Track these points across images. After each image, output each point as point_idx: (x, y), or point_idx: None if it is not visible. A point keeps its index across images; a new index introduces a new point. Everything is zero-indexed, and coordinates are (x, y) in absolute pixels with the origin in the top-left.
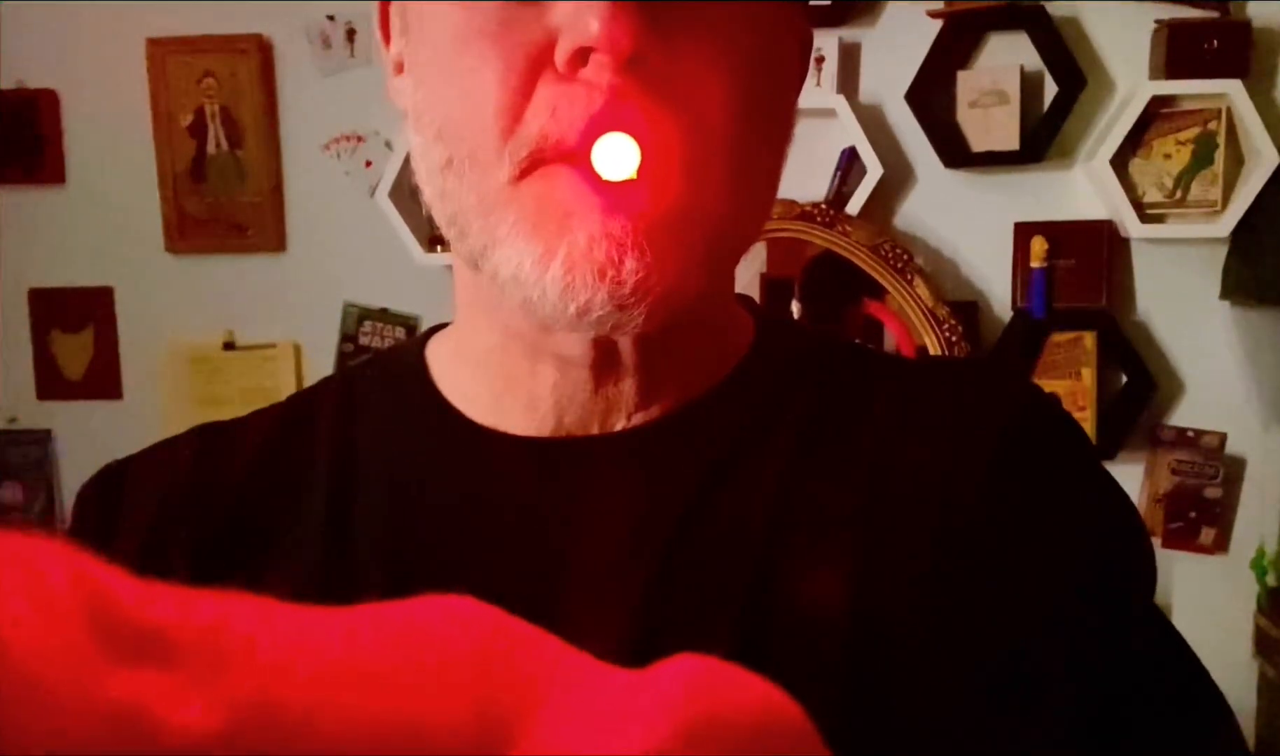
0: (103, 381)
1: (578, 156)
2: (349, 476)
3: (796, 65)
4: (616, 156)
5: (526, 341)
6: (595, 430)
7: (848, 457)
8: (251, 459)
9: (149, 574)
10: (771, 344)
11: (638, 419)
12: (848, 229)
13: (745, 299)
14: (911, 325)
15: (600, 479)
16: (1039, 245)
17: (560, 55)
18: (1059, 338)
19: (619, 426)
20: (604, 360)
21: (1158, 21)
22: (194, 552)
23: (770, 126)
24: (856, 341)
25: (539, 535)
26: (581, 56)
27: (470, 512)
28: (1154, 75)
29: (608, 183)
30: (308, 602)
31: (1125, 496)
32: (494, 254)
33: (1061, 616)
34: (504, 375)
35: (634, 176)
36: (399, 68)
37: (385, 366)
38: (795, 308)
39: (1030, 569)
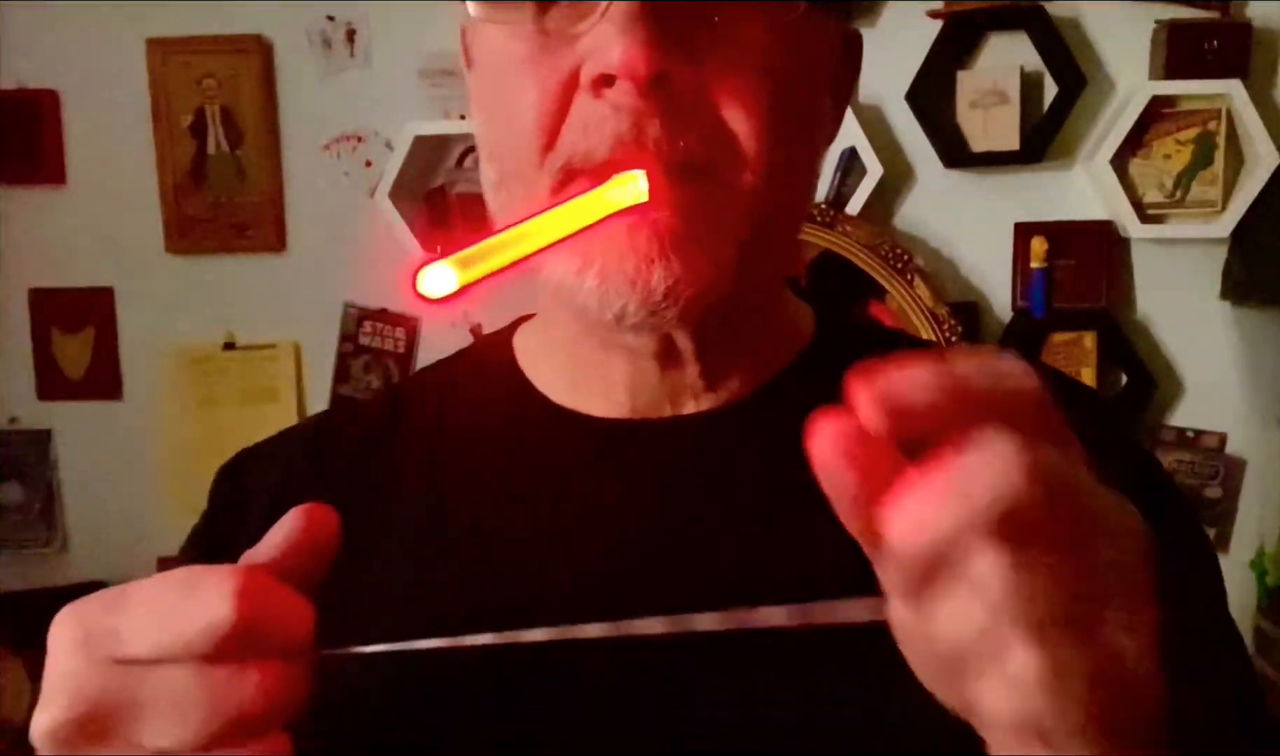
0: (103, 381)
1: (607, 172)
2: (444, 458)
3: (833, 64)
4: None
5: (598, 335)
6: (667, 412)
7: None
8: (359, 442)
9: None
10: (834, 332)
11: (706, 402)
12: (848, 229)
13: (806, 293)
14: (912, 325)
15: (671, 457)
16: (1039, 245)
17: (585, 80)
18: (1059, 338)
19: (688, 409)
20: (665, 351)
21: (1158, 21)
22: None
23: (803, 129)
24: (916, 336)
25: (612, 508)
26: (607, 79)
27: (550, 487)
28: (1154, 75)
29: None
30: (407, 573)
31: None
32: (544, 265)
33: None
34: (581, 363)
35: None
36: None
37: (478, 354)
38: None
39: None
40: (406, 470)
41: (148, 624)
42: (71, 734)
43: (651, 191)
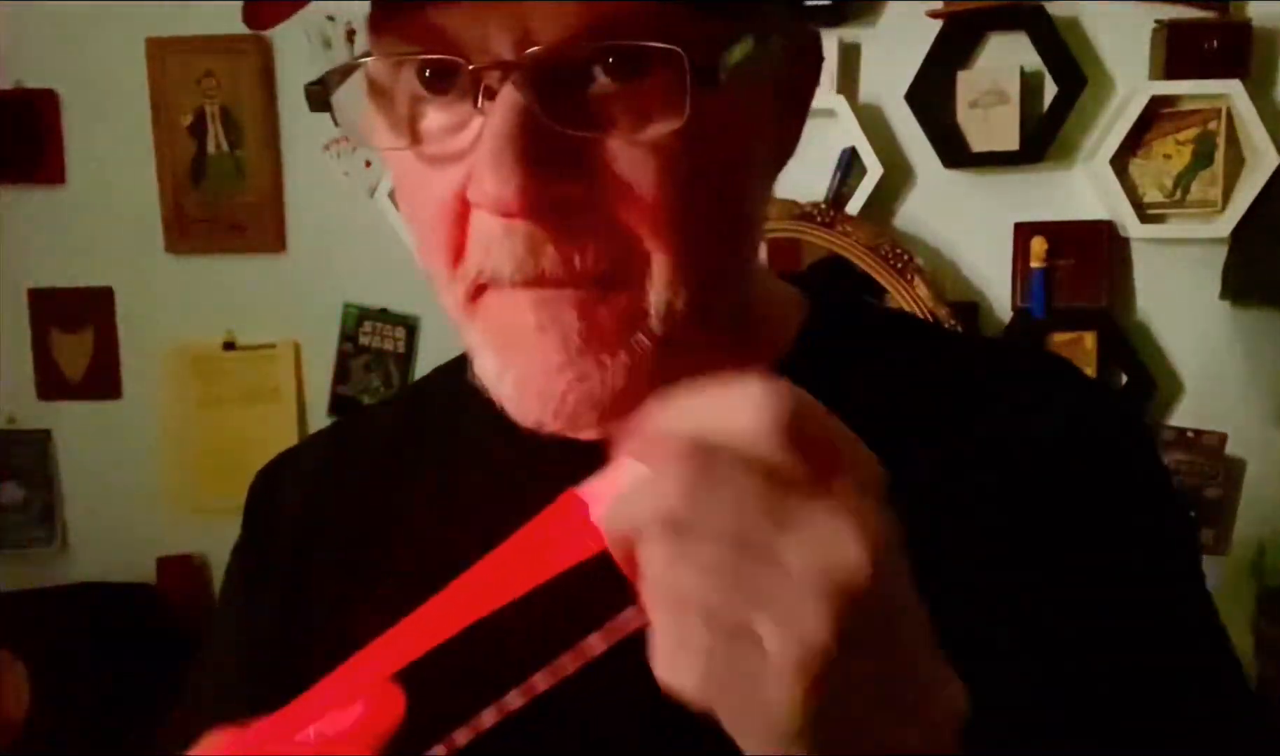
0: (103, 381)
1: (512, 286)
2: (451, 474)
3: (774, 91)
4: None
5: None
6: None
7: (918, 446)
8: (376, 456)
9: (305, 557)
10: (823, 326)
11: None
12: (848, 229)
13: (802, 278)
14: None
15: None
16: (1039, 245)
17: (472, 202)
18: (1059, 338)
19: None
20: None
21: (1158, 21)
22: (339, 539)
23: (728, 191)
24: (912, 315)
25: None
26: None
27: (511, 505)
28: (1154, 75)
29: (544, 303)
30: (414, 597)
31: (1170, 487)
32: (474, 357)
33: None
34: None
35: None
36: None
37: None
38: None
39: (1083, 560)
40: (416, 487)
41: None
42: None
43: (558, 303)
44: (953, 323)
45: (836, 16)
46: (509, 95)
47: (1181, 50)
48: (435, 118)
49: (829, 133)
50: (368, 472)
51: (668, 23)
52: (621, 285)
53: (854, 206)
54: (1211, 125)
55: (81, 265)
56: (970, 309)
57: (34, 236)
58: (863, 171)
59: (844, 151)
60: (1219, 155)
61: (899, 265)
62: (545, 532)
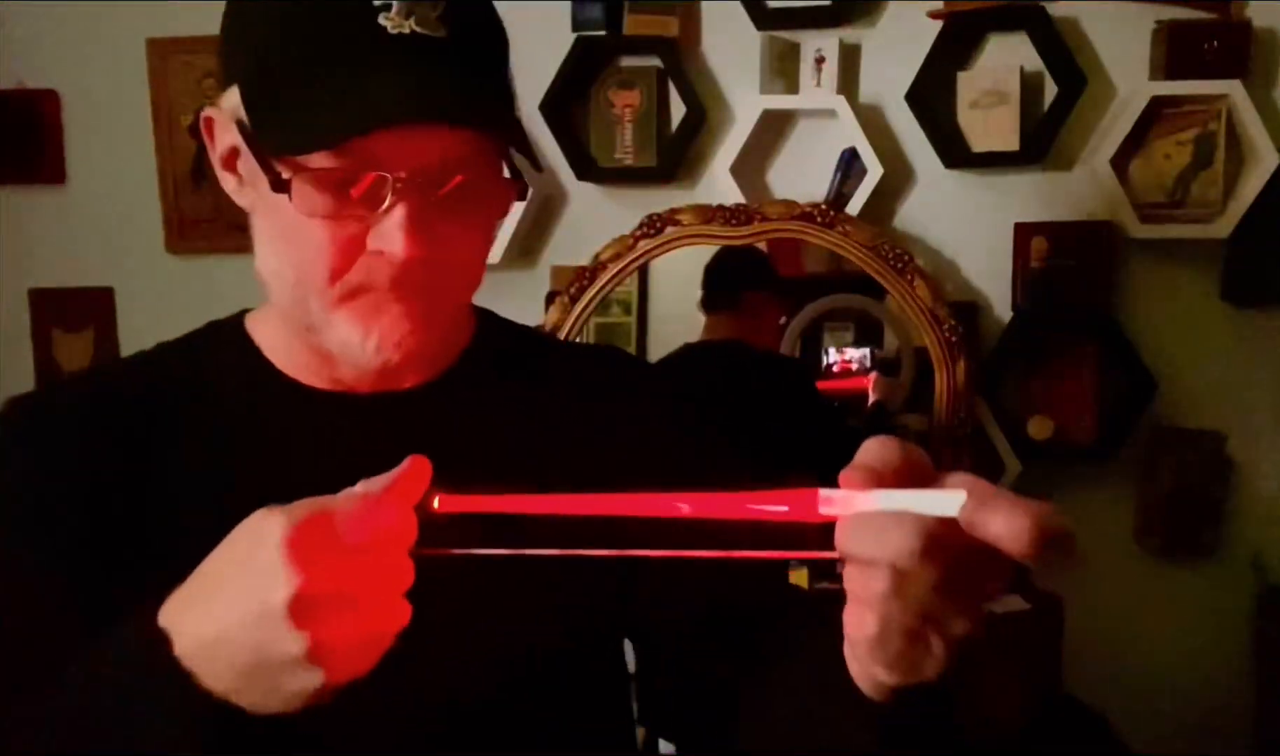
0: None
1: (381, 291)
2: (195, 422)
3: (504, 200)
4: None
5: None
6: (380, 389)
7: (557, 415)
8: (136, 415)
9: (99, 487)
10: (488, 335)
11: (407, 383)
12: (848, 229)
13: None
14: (912, 325)
15: (387, 423)
16: (1039, 245)
17: (371, 247)
18: (1059, 338)
19: (396, 388)
20: None
21: (1158, 22)
22: (110, 483)
23: (489, 248)
24: (541, 331)
25: (342, 464)
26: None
27: (284, 447)
28: (1154, 75)
29: (400, 298)
30: (191, 536)
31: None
32: (326, 331)
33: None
34: (314, 354)
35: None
36: (231, 166)
37: (218, 336)
38: (700, 294)
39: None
40: (183, 438)
41: (357, 527)
42: (313, 594)
43: (411, 298)
44: (953, 323)
45: (836, 16)
46: (410, 194)
47: (1181, 50)
48: (339, 194)
49: (829, 133)
50: (132, 440)
51: (498, 151)
52: (449, 290)
53: (854, 206)
54: (1211, 125)
55: (82, 265)
56: (970, 309)
57: (34, 236)
58: (863, 171)
59: (844, 151)
60: (1219, 155)
61: (899, 265)
62: (775, 497)
